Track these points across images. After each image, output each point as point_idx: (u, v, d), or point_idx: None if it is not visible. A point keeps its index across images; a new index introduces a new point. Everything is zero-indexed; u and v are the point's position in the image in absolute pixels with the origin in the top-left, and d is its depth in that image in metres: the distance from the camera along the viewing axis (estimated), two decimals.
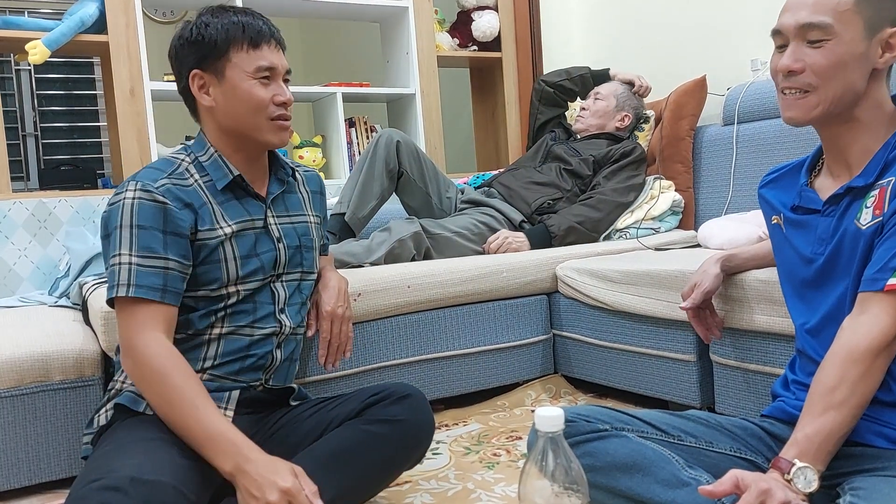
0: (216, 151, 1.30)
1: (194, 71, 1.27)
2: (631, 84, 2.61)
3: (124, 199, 1.20)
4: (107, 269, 1.21)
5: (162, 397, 1.14)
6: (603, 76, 2.68)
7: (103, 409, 1.25)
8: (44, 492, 1.55)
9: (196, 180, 1.27)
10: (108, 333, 1.53)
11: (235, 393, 1.28)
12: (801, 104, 1.04)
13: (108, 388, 1.28)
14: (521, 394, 2.04)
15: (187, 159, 1.30)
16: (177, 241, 1.21)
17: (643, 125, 2.63)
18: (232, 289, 1.28)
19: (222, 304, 1.27)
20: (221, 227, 1.27)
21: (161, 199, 1.20)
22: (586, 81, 2.70)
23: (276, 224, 1.34)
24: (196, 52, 1.26)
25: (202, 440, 1.10)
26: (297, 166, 1.46)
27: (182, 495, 1.01)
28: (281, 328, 1.33)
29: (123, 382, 1.26)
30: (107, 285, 1.20)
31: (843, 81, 1.01)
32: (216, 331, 1.27)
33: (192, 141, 1.34)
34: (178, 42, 1.29)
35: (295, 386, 1.40)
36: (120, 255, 1.18)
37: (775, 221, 1.20)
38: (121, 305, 1.18)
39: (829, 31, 1.00)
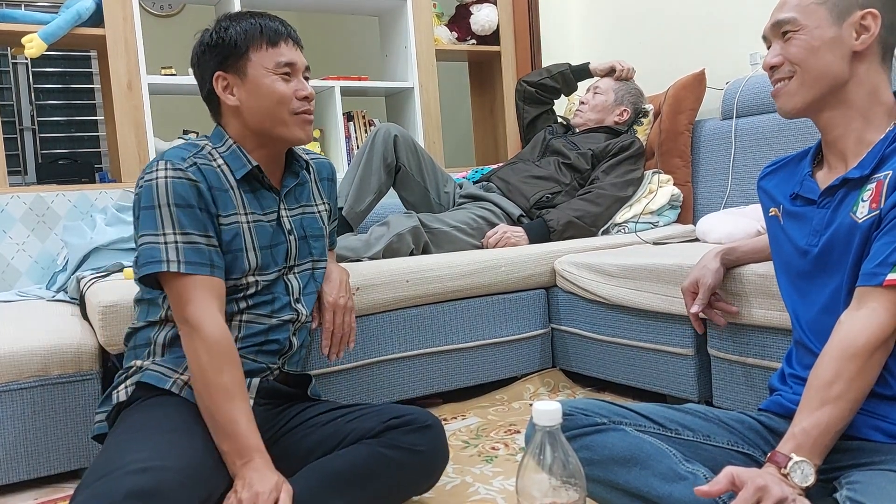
0: (235, 143, 1.32)
1: (217, 73, 1.30)
2: (612, 71, 2.60)
3: (157, 177, 1.21)
4: (140, 245, 1.21)
5: (204, 373, 1.17)
6: (583, 71, 2.68)
7: (122, 386, 1.26)
8: (42, 486, 1.55)
9: (219, 164, 1.30)
10: (107, 328, 1.53)
11: (256, 381, 1.30)
12: (785, 90, 1.11)
13: (127, 366, 1.29)
14: (519, 388, 2.05)
15: (209, 145, 1.32)
16: (210, 218, 1.24)
17: (642, 119, 2.62)
18: (251, 279, 1.31)
19: (242, 294, 1.30)
20: (244, 214, 1.30)
21: (192, 177, 1.23)
22: (567, 78, 2.70)
23: (287, 217, 1.37)
24: (217, 55, 1.29)
25: (223, 431, 1.15)
26: (309, 156, 1.48)
27: (191, 490, 1.03)
28: (298, 317, 1.37)
29: (145, 360, 1.27)
30: (141, 262, 1.20)
31: (818, 64, 1.07)
32: (237, 317, 1.31)
33: (210, 134, 1.36)
34: (199, 49, 1.32)
35: (311, 376, 1.43)
36: (164, 234, 1.20)
37: (773, 213, 1.20)
38: (171, 281, 1.20)
39: (795, 23, 1.08)
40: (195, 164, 1.25)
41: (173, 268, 1.19)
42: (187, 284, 1.20)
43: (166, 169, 1.22)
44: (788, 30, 1.09)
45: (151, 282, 1.23)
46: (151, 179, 1.22)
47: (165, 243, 1.20)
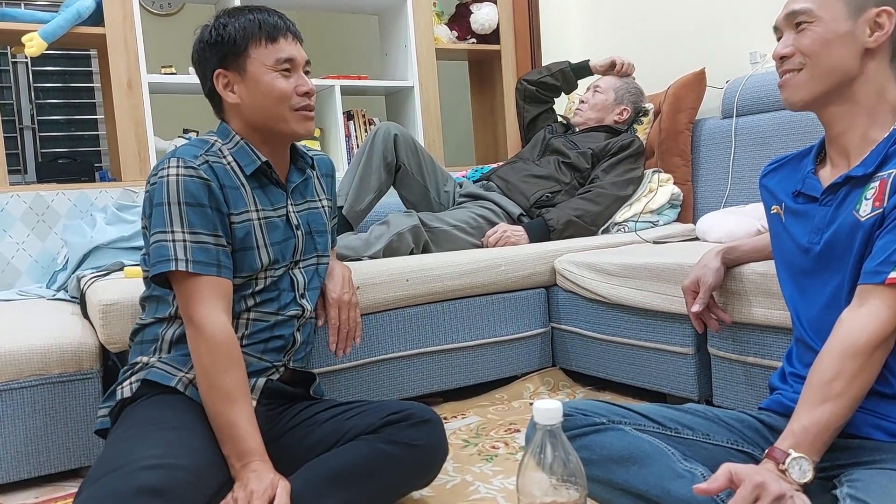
0: (242, 139, 1.32)
1: (218, 70, 1.30)
2: (612, 66, 2.61)
3: (168, 175, 1.22)
4: (151, 244, 1.22)
5: (207, 374, 1.18)
6: (583, 69, 2.69)
7: (127, 382, 1.27)
8: (42, 485, 1.55)
9: (228, 161, 1.30)
10: (107, 326, 1.53)
11: (262, 381, 1.31)
12: (793, 81, 1.10)
13: (132, 362, 1.30)
14: (519, 387, 2.05)
15: (219, 141, 1.32)
16: (221, 217, 1.25)
17: (642, 118, 2.62)
18: (261, 275, 1.32)
19: (250, 291, 1.31)
20: (255, 210, 1.30)
21: (204, 176, 1.23)
22: (567, 76, 2.71)
23: (294, 212, 1.38)
24: (217, 53, 1.30)
25: (224, 433, 1.17)
26: (309, 152, 1.49)
27: (197, 489, 1.04)
28: (302, 312, 1.38)
29: (151, 357, 1.28)
30: (153, 260, 1.21)
31: (830, 57, 1.06)
32: (245, 315, 1.31)
33: (216, 130, 1.36)
34: (199, 46, 1.33)
35: (315, 374, 1.44)
36: (173, 231, 1.20)
37: (775, 211, 1.20)
38: (180, 280, 1.21)
39: (811, 14, 1.07)
40: (207, 161, 1.26)
41: (181, 266, 1.19)
42: (194, 284, 1.20)
43: (178, 167, 1.22)
44: (803, 20, 1.08)
45: (162, 280, 1.23)
46: (163, 177, 1.22)
47: (174, 241, 1.20)
